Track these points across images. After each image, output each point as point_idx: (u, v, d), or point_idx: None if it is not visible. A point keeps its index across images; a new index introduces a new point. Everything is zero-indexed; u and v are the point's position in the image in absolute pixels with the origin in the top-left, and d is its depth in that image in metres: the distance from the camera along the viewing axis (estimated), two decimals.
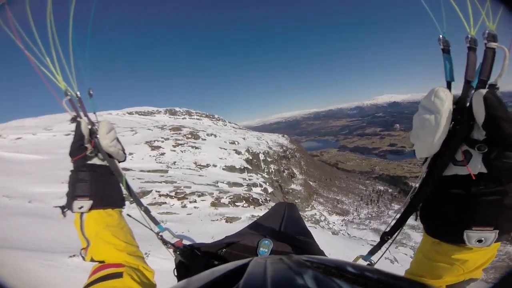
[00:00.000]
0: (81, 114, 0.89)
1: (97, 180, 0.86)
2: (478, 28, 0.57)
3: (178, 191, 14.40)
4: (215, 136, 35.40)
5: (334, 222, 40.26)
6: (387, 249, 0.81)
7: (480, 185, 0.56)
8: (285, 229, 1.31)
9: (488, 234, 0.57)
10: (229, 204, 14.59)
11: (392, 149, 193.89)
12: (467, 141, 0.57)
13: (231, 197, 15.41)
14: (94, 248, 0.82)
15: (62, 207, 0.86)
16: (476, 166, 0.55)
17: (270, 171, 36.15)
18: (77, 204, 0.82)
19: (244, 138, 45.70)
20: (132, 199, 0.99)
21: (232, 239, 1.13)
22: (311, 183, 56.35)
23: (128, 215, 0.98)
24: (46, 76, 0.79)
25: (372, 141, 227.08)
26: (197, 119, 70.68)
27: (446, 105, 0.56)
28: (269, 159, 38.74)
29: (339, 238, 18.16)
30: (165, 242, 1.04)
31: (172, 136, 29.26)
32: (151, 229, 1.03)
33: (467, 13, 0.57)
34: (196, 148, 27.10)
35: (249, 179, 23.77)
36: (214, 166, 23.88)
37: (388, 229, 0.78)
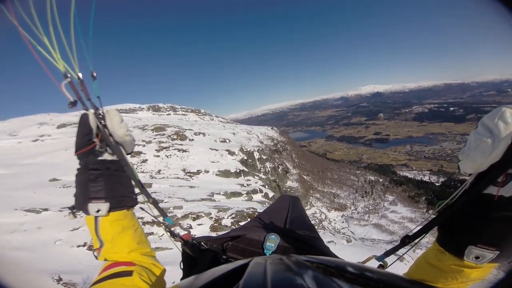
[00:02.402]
0: (83, 99, 0.76)
1: (112, 180, 0.79)
2: None
3: (167, 214, 11.22)
4: (204, 134, 31.95)
5: (334, 220, 38.59)
6: (405, 253, 0.80)
7: (505, 209, 0.57)
8: (291, 223, 1.26)
9: (487, 253, 0.60)
10: (232, 226, 11.64)
11: (377, 138, 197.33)
12: None
13: (233, 215, 12.45)
14: (108, 250, 0.80)
15: (72, 208, 0.80)
16: (510, 190, 0.55)
17: (267, 170, 33.33)
18: (93, 207, 0.76)
19: (234, 134, 42.69)
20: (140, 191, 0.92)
21: (238, 232, 1.10)
22: (305, 177, 54.43)
23: (141, 208, 0.94)
24: (43, 56, 0.68)
25: (358, 130, 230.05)
26: (182, 114, 66.72)
27: (509, 130, 0.53)
28: (264, 157, 35.86)
29: (356, 246, 16.25)
30: (173, 235, 0.99)
31: (155, 138, 25.50)
32: (160, 222, 0.99)
33: None
34: (184, 151, 23.62)
35: (247, 184, 20.79)
36: (206, 172, 20.61)
37: (412, 233, 0.78)
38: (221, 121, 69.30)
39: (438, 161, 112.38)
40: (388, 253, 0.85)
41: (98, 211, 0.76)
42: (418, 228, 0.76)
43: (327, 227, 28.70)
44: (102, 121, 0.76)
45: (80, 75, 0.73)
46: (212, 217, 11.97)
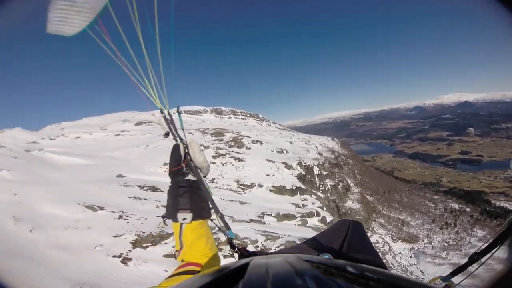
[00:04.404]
0: (173, 130, 1.04)
1: (194, 195, 0.99)
2: None
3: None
4: (261, 143, 31.19)
5: (401, 253, 32.31)
6: (475, 270, 0.75)
7: None
8: (348, 247, 1.17)
9: None
10: None
11: (465, 158, 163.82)
12: None
13: (282, 246, 10.76)
14: (186, 252, 0.99)
15: (163, 216, 1.04)
16: None
17: (326, 188, 30.27)
18: (180, 216, 0.97)
19: (291, 142, 40.89)
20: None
21: (291, 251, 1.14)
22: (368, 197, 48.06)
23: (211, 220, 1.11)
24: (146, 96, 0.96)
25: (437, 147, 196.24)
26: (242, 118, 68.91)
27: None
28: (324, 173, 32.79)
29: None
30: (233, 247, 1.11)
31: (213, 143, 26.01)
32: (225, 234, 1.14)
33: None
34: (240, 160, 23.17)
35: (302, 205, 18.76)
36: (260, 186, 19.48)
37: (481, 249, 0.74)
38: (278, 128, 68.59)
39: None
40: (455, 273, 0.80)
41: (184, 219, 0.96)
42: (487, 243, 0.70)
43: (392, 263, 23.95)
44: (186, 149, 1.01)
45: (171, 113, 1.01)
46: (257, 246, 10.56)
